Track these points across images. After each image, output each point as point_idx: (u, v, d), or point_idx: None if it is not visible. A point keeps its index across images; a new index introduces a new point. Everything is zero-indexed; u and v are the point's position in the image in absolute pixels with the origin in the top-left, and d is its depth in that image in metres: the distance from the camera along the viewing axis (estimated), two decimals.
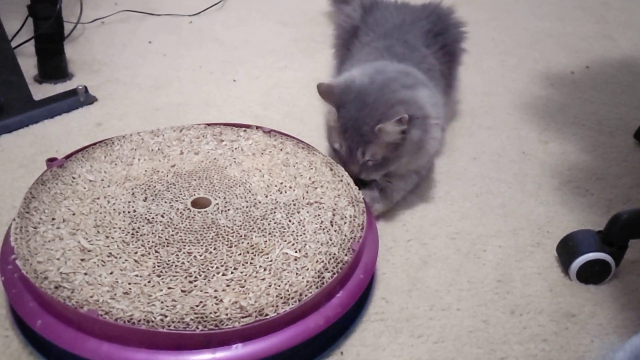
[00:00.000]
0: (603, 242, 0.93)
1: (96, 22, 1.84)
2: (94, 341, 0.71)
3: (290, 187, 0.96)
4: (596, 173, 1.22)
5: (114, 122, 1.33)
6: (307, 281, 0.77)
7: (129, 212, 0.89)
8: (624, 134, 1.37)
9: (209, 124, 1.12)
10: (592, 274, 0.93)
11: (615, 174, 1.22)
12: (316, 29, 1.90)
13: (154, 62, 1.63)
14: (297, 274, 0.79)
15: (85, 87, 1.38)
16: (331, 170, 1.01)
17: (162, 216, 0.88)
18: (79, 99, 1.37)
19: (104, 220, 0.86)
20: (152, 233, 0.85)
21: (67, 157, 1.00)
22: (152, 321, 0.70)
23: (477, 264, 0.98)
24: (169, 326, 0.70)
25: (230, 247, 0.83)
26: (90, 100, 1.40)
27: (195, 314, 0.71)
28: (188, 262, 0.80)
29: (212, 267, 0.79)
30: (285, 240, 0.85)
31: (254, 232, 0.86)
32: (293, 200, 0.93)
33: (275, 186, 0.96)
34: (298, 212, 0.90)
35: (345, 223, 0.88)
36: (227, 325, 0.71)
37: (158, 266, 0.79)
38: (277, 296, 0.75)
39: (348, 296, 0.80)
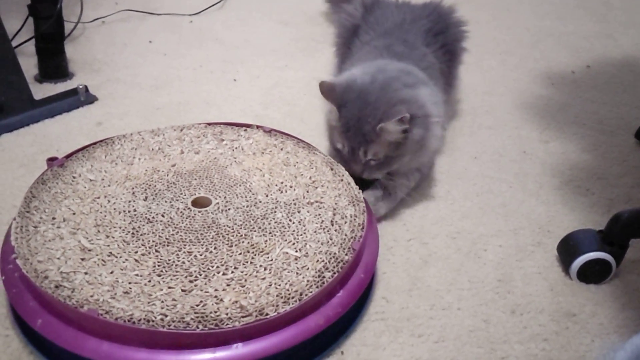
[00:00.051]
0: (604, 242, 0.93)
1: (97, 22, 1.84)
2: (94, 340, 0.71)
3: (291, 187, 0.96)
4: (597, 172, 1.22)
5: (114, 121, 1.33)
6: (308, 281, 0.77)
7: (129, 211, 0.89)
8: (625, 134, 1.37)
9: (209, 124, 1.12)
10: (592, 274, 0.93)
11: (616, 174, 1.22)
12: (316, 28, 1.90)
13: (155, 62, 1.63)
14: (297, 273, 0.79)
15: (86, 87, 1.38)
16: (332, 169, 1.01)
17: (163, 215, 0.88)
18: (80, 98, 1.37)
19: (104, 220, 0.86)
20: (153, 232, 0.85)
21: (68, 156, 1.00)
22: (153, 320, 0.70)
23: (478, 263, 0.98)
24: (169, 325, 0.70)
25: (231, 246, 0.83)
26: (90, 99, 1.40)
27: (195, 313, 0.71)
28: (188, 261, 0.80)
29: (212, 267, 0.79)
30: (286, 240, 0.85)
31: (255, 231, 0.86)
32: (293, 200, 0.93)
33: (276, 185, 0.96)
34: (298, 212, 0.90)
35: (345, 222, 0.88)
36: (227, 324, 0.71)
37: (158, 265, 0.79)
38: (277, 296, 0.74)
39: (348, 296, 0.80)
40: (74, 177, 0.95)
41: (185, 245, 0.83)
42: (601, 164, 1.25)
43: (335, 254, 0.82)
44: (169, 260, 0.80)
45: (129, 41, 1.74)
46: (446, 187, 1.16)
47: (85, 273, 0.76)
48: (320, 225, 0.88)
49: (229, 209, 0.91)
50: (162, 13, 1.95)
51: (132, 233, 0.84)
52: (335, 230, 0.87)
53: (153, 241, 0.83)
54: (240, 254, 0.82)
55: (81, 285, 0.74)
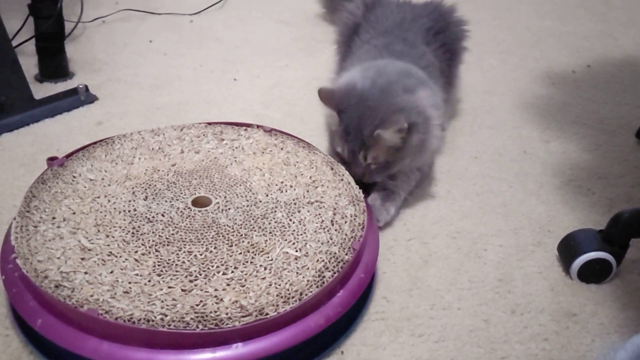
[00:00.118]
0: (604, 241, 0.93)
1: (97, 21, 1.84)
2: (94, 340, 0.71)
3: (291, 186, 0.96)
4: (597, 172, 1.22)
5: (114, 121, 1.33)
6: (308, 280, 0.77)
7: (129, 211, 0.89)
8: (626, 133, 1.36)
9: (209, 123, 1.12)
10: (593, 273, 0.93)
11: (616, 173, 1.22)
12: (317, 28, 1.90)
13: (155, 61, 1.63)
14: (297, 273, 0.78)
15: (86, 86, 1.38)
16: (332, 169, 1.00)
17: (163, 215, 0.88)
18: (80, 98, 1.37)
19: (104, 219, 0.86)
20: (153, 232, 0.85)
21: (68, 156, 1.00)
22: (152, 320, 0.70)
23: (478, 263, 0.98)
24: (169, 325, 0.70)
25: (231, 246, 0.83)
26: (90, 99, 1.40)
27: (195, 313, 0.71)
28: (188, 261, 0.80)
29: (212, 266, 0.79)
30: (286, 240, 0.85)
31: (255, 231, 0.86)
32: (294, 199, 0.93)
33: (276, 185, 0.96)
34: (299, 211, 0.90)
35: (345, 222, 0.88)
36: (227, 324, 0.71)
37: (158, 265, 0.79)
38: (277, 295, 0.74)
39: (348, 295, 0.80)
40: (74, 177, 0.95)
41: (185, 244, 0.83)
42: (602, 163, 1.25)
43: (335, 253, 0.82)
44: (169, 259, 0.80)
45: (129, 41, 1.74)
46: (446, 186, 1.16)
47: (85, 273, 0.76)
48: (321, 225, 0.88)
49: (229, 209, 0.91)
50: (163, 13, 1.95)
51: (132, 233, 0.84)
52: (336, 230, 0.86)
53: (153, 241, 0.83)
54: (241, 253, 0.82)
55: (81, 285, 0.74)
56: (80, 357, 0.71)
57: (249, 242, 0.84)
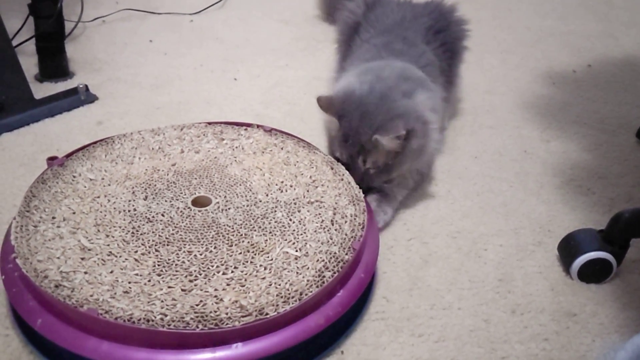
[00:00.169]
0: (604, 241, 0.92)
1: (97, 21, 1.84)
2: (94, 340, 0.71)
3: (291, 186, 0.96)
4: (598, 172, 1.22)
5: (114, 120, 1.33)
6: (308, 280, 0.77)
7: (129, 210, 0.89)
8: (626, 133, 1.36)
9: (209, 123, 1.12)
10: (593, 273, 0.93)
11: (617, 173, 1.22)
12: (317, 27, 1.90)
13: (155, 61, 1.63)
14: (297, 273, 0.78)
15: (86, 86, 1.38)
16: (332, 169, 1.00)
17: (163, 215, 0.88)
18: (80, 97, 1.37)
19: (104, 219, 0.86)
20: (153, 232, 0.85)
21: (68, 155, 1.00)
22: (152, 320, 0.70)
23: (478, 263, 0.97)
24: (169, 325, 0.70)
25: (231, 246, 0.83)
26: (91, 99, 1.40)
27: (195, 313, 0.71)
28: (188, 261, 0.80)
29: (212, 266, 0.79)
30: (286, 239, 0.85)
31: (255, 231, 0.86)
32: (294, 199, 0.93)
33: (276, 185, 0.96)
34: (299, 211, 0.90)
35: (345, 222, 0.88)
36: (227, 324, 0.71)
37: (158, 265, 0.79)
38: (277, 295, 0.74)
39: (348, 295, 0.80)
40: (74, 177, 0.95)
41: (185, 244, 0.83)
42: (602, 163, 1.25)
43: (335, 253, 0.82)
44: (169, 259, 0.80)
45: (129, 40, 1.74)
46: (447, 186, 1.16)
47: (85, 272, 0.76)
48: (321, 225, 0.87)
49: (229, 209, 0.91)
50: (163, 12, 1.95)
51: (132, 232, 0.84)
52: (336, 230, 0.86)
53: (153, 240, 0.83)
54: (240, 253, 0.82)
55: (81, 285, 0.74)
56: (80, 357, 0.71)
57: (249, 242, 0.84)
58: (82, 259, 0.79)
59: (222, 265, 0.79)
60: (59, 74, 1.49)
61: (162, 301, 0.73)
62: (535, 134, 1.35)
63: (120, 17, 1.90)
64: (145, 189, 0.94)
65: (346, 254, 0.82)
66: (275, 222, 0.88)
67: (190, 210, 0.90)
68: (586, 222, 1.07)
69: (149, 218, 0.87)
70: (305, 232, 0.86)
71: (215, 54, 1.69)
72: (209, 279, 0.77)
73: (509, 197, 1.14)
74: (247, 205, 0.91)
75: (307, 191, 0.95)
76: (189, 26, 1.89)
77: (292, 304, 0.74)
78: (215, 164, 1.01)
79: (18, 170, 1.13)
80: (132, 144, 1.04)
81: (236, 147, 1.06)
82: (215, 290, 0.75)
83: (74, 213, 0.87)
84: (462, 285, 0.93)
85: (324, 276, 0.78)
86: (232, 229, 0.86)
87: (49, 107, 1.33)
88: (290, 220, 0.88)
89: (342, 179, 0.98)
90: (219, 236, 0.85)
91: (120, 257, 0.80)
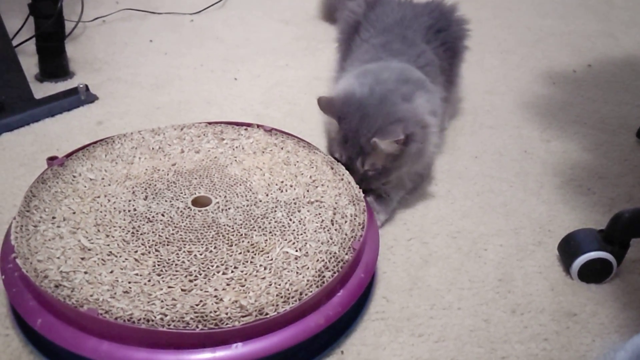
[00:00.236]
0: (605, 241, 0.92)
1: (97, 21, 1.84)
2: (94, 340, 0.71)
3: (291, 186, 0.96)
4: (598, 172, 1.22)
5: (114, 120, 1.33)
6: (308, 280, 0.77)
7: (129, 210, 0.89)
8: (626, 133, 1.36)
9: (209, 123, 1.12)
10: (593, 273, 0.93)
11: (617, 173, 1.22)
12: (317, 27, 1.90)
13: (155, 61, 1.63)
14: (297, 273, 0.78)
15: (86, 86, 1.38)
16: (332, 169, 1.00)
17: (163, 215, 0.88)
18: (80, 97, 1.37)
19: (104, 219, 0.86)
20: (153, 232, 0.85)
21: (68, 155, 1.00)
22: (152, 320, 0.70)
23: (478, 263, 0.97)
24: (168, 325, 0.70)
25: (231, 245, 0.83)
26: (91, 98, 1.40)
27: (195, 313, 0.71)
28: (188, 261, 0.80)
29: (212, 266, 0.79)
30: (286, 239, 0.85)
31: (255, 230, 0.86)
32: (294, 199, 0.93)
33: (276, 185, 0.96)
34: (299, 211, 0.90)
35: (345, 222, 0.88)
36: (227, 324, 0.71)
37: (158, 265, 0.79)
38: (277, 295, 0.74)
39: (348, 295, 0.80)
40: (74, 177, 0.95)
41: (185, 244, 0.83)
42: (602, 163, 1.25)
43: (335, 253, 0.82)
44: (169, 259, 0.80)
45: (129, 40, 1.74)
46: (447, 186, 1.16)
47: (85, 272, 0.76)
48: (321, 225, 0.87)
49: (229, 208, 0.91)
50: (163, 12, 1.95)
51: (132, 232, 0.84)
52: (336, 230, 0.86)
53: (153, 240, 0.83)
54: (240, 253, 0.82)
55: (81, 285, 0.74)
56: (80, 357, 0.71)
57: (248, 242, 0.84)
58: (82, 258, 0.79)
59: (222, 265, 0.79)
60: (59, 73, 1.49)
61: (162, 301, 0.73)
62: (536, 133, 1.35)
63: (121, 17, 1.90)
64: (146, 188, 0.94)
65: (346, 253, 0.82)
66: (275, 222, 0.88)
67: (190, 210, 0.90)
68: (586, 222, 1.07)
69: (149, 218, 0.87)
70: (305, 232, 0.86)
71: (216, 54, 1.69)
72: (209, 279, 0.77)
73: (509, 197, 1.14)
74: (247, 205, 0.91)
75: (307, 191, 0.95)
76: (189, 26, 1.89)
77: (292, 304, 0.74)
78: (215, 164, 1.01)
79: (18, 170, 1.13)
80: (132, 144, 1.04)
81: (236, 147, 1.06)
82: (215, 290, 0.75)
83: (74, 213, 0.87)
84: (462, 285, 0.93)
85: (324, 276, 0.78)
86: (232, 228, 0.86)
87: (49, 107, 1.33)
88: (290, 220, 0.88)
89: (342, 179, 0.98)
90: (219, 236, 0.85)
91: (120, 257, 0.80)
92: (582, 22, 2.03)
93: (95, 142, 1.04)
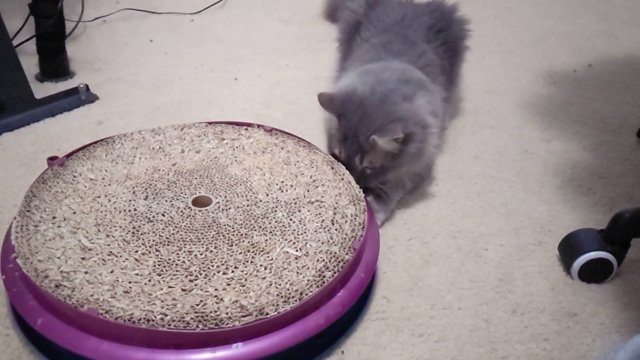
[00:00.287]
0: (605, 241, 0.92)
1: (98, 21, 1.84)
2: (94, 340, 0.71)
3: (291, 186, 0.96)
4: (598, 171, 1.22)
5: (115, 120, 1.33)
6: (308, 280, 0.77)
7: (129, 210, 0.89)
8: (627, 133, 1.36)
9: (210, 123, 1.12)
10: (594, 273, 0.93)
11: (617, 173, 1.21)
12: (318, 27, 1.90)
13: (155, 61, 1.63)
14: (297, 272, 0.78)
15: (87, 86, 1.38)
16: (332, 168, 1.00)
17: (163, 215, 0.88)
18: (80, 97, 1.37)
19: (104, 219, 0.86)
20: (153, 232, 0.85)
21: (68, 155, 1.00)
22: (153, 320, 0.70)
23: (479, 262, 0.97)
24: (169, 325, 0.70)
25: (231, 245, 0.83)
26: (91, 98, 1.40)
27: (195, 313, 0.71)
28: (189, 260, 0.80)
29: (212, 266, 0.79)
30: (286, 239, 0.85)
31: (255, 230, 0.86)
32: (294, 199, 0.93)
33: (276, 185, 0.96)
34: (299, 211, 0.90)
35: (346, 222, 0.88)
36: (227, 324, 0.71)
37: (158, 265, 0.79)
38: (277, 295, 0.74)
39: (349, 295, 0.80)
40: (74, 176, 0.95)
41: (185, 244, 0.83)
42: (603, 163, 1.25)
43: (335, 253, 0.82)
44: (169, 259, 0.80)
45: (130, 40, 1.74)
46: (447, 186, 1.16)
47: (86, 272, 0.76)
48: (321, 225, 0.87)
49: (229, 208, 0.91)
50: (163, 12, 1.95)
51: (133, 232, 0.84)
52: (336, 230, 0.86)
53: (153, 240, 0.83)
54: (241, 253, 0.82)
55: (81, 285, 0.74)
56: (80, 357, 0.71)
57: (249, 242, 0.84)
58: (83, 258, 0.79)
59: (223, 265, 0.79)
60: (60, 73, 1.49)
61: (162, 301, 0.73)
62: (536, 133, 1.35)
63: (121, 16, 1.90)
64: (146, 188, 0.94)
65: (346, 253, 0.82)
66: (276, 221, 0.88)
67: (191, 210, 0.90)
68: (587, 222, 1.07)
69: (149, 218, 0.87)
70: (305, 232, 0.86)
71: (216, 54, 1.69)
72: (209, 279, 0.77)
73: (509, 196, 1.14)
74: (248, 205, 0.91)
75: (308, 191, 0.95)
76: (190, 26, 1.89)
77: (293, 303, 0.74)
78: (215, 164, 1.01)
79: (18, 170, 1.13)
80: (132, 144, 1.04)
81: (237, 147, 1.06)
82: (216, 290, 0.75)
83: (74, 213, 0.87)
84: (462, 285, 0.93)
85: (324, 276, 0.78)
86: (233, 228, 0.86)
87: (49, 107, 1.33)
88: (291, 220, 0.88)
89: (343, 179, 0.98)
90: (220, 236, 0.85)
91: (120, 257, 0.80)
92: (582, 22, 2.03)
93: (95, 142, 1.04)
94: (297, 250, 0.82)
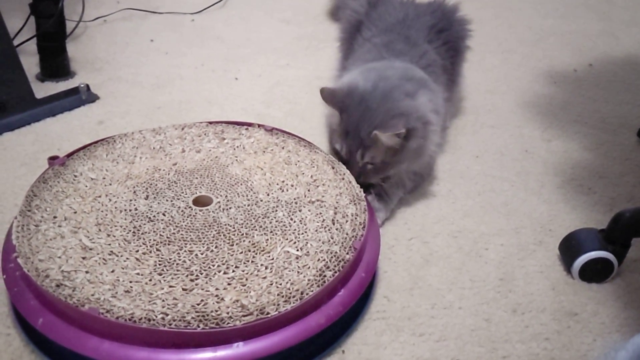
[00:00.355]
0: (605, 241, 0.92)
1: (98, 21, 1.84)
2: (95, 339, 0.71)
3: (292, 186, 0.96)
4: (599, 171, 1.22)
5: (115, 120, 1.33)
6: (309, 279, 0.77)
7: (130, 210, 0.89)
8: (627, 132, 1.36)
9: (210, 122, 1.12)
10: (594, 273, 0.93)
11: (618, 172, 1.21)
12: (318, 27, 1.90)
13: (156, 60, 1.63)
14: (298, 272, 0.78)
15: (87, 85, 1.38)
16: (333, 168, 1.00)
17: (164, 214, 0.88)
18: (81, 97, 1.37)
19: (105, 219, 0.86)
20: (154, 231, 0.85)
21: (69, 155, 1.00)
22: (153, 319, 0.70)
23: (479, 262, 0.97)
24: (170, 324, 0.70)
25: (232, 245, 0.83)
26: (92, 98, 1.40)
27: (196, 312, 0.71)
28: (189, 260, 0.80)
29: (213, 266, 0.79)
30: (287, 239, 0.85)
31: (256, 230, 0.86)
32: (295, 199, 0.93)
33: (277, 184, 0.96)
34: (299, 211, 0.90)
35: (346, 221, 0.88)
36: (228, 323, 0.71)
37: (159, 264, 0.79)
38: (278, 294, 0.74)
39: (349, 294, 0.80)
40: (75, 176, 0.95)
41: (186, 244, 0.83)
42: (603, 162, 1.25)
43: (336, 252, 0.82)
44: (170, 259, 0.80)
45: (130, 40, 1.74)
46: (448, 185, 1.16)
47: (86, 272, 0.76)
48: (322, 224, 0.87)
49: (230, 208, 0.91)
50: (164, 12, 1.95)
51: (133, 232, 0.84)
52: (337, 229, 0.86)
53: (154, 240, 0.83)
54: (241, 252, 0.82)
55: (82, 284, 0.74)
56: (81, 356, 0.71)
57: (250, 241, 0.84)
58: (84, 258, 0.79)
59: (223, 264, 0.79)
60: (60, 73, 1.49)
61: (163, 300, 0.73)
62: (537, 133, 1.35)
63: (122, 16, 1.90)
64: (147, 188, 0.94)
65: (347, 253, 0.82)
66: (276, 221, 0.88)
67: (192, 209, 0.90)
68: (587, 222, 1.07)
69: (150, 217, 0.87)
70: (306, 232, 0.86)
71: (217, 54, 1.69)
72: (210, 278, 0.77)
73: (510, 196, 1.14)
74: (248, 205, 0.92)
75: (308, 190, 0.95)
76: (190, 25, 1.89)
77: (293, 303, 0.74)
78: (216, 164, 1.01)
79: (19, 170, 1.14)
80: (133, 144, 1.04)
81: (237, 147, 1.06)
82: (217, 289, 0.75)
83: (75, 212, 0.87)
84: (463, 284, 0.93)
85: (325, 275, 0.78)
86: (233, 228, 0.86)
87: (50, 107, 1.33)
88: (291, 219, 0.89)
89: (343, 179, 0.98)
90: (220, 235, 0.85)
91: (121, 256, 0.80)
92: (583, 22, 2.03)
93: (96, 142, 1.04)
94: (297, 250, 0.82)
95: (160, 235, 0.84)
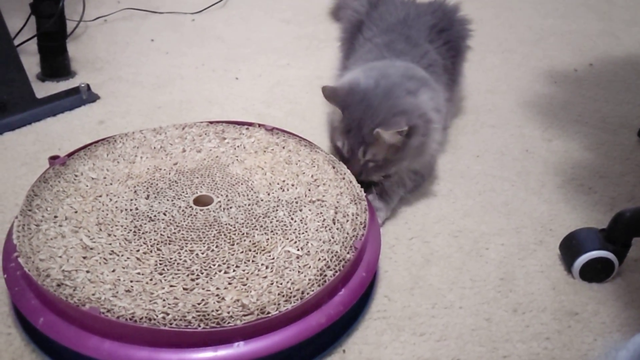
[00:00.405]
0: (606, 240, 0.92)
1: (99, 20, 1.84)
2: (95, 339, 0.71)
3: (293, 185, 0.96)
4: (599, 171, 1.22)
5: (116, 119, 1.33)
6: (309, 279, 0.77)
7: (131, 209, 0.89)
8: (628, 132, 1.36)
9: (211, 122, 1.12)
10: (595, 272, 0.93)
11: (618, 172, 1.21)
12: (319, 26, 1.90)
13: (157, 60, 1.63)
14: (299, 272, 0.78)
15: (88, 85, 1.38)
16: (333, 168, 1.00)
17: (164, 214, 0.88)
18: (82, 96, 1.37)
19: (106, 218, 0.86)
20: (154, 231, 0.85)
21: (70, 155, 1.00)
22: (154, 319, 0.70)
23: (480, 262, 0.97)
24: (170, 324, 0.70)
25: (232, 245, 0.83)
26: (92, 98, 1.40)
27: (197, 312, 0.71)
28: (190, 260, 0.80)
29: (214, 265, 0.79)
30: (288, 238, 0.85)
31: (256, 230, 0.86)
32: (295, 198, 0.93)
33: (278, 184, 0.96)
34: (300, 210, 0.90)
35: (347, 221, 0.88)
36: (229, 323, 0.71)
37: (160, 264, 0.79)
38: (279, 294, 0.74)
39: (350, 294, 0.80)
40: (75, 176, 0.95)
41: (187, 243, 0.83)
42: (604, 162, 1.25)
43: (337, 252, 0.82)
44: (171, 258, 0.80)
45: (131, 40, 1.74)
46: (448, 185, 1.16)
47: (87, 271, 0.76)
48: (322, 224, 0.87)
49: (230, 208, 0.91)
50: (164, 11, 1.95)
51: (134, 231, 0.84)
52: (337, 229, 0.86)
53: (155, 239, 0.83)
54: (242, 252, 0.82)
55: (83, 284, 0.74)
56: (81, 356, 0.71)
57: (250, 241, 0.84)
58: (84, 257, 0.79)
59: (224, 264, 0.79)
60: (61, 73, 1.49)
61: (164, 300, 0.73)
62: (537, 133, 1.35)
63: (122, 16, 1.90)
64: (147, 188, 0.94)
65: (348, 252, 0.82)
66: (277, 221, 0.88)
67: (192, 209, 0.90)
68: (588, 221, 1.07)
69: (150, 217, 0.88)
70: (306, 231, 0.86)
71: (217, 53, 1.69)
72: (211, 278, 0.77)
73: (510, 196, 1.14)
74: (249, 204, 0.92)
75: (309, 190, 0.95)
76: (191, 25, 1.89)
77: (294, 302, 0.74)
78: (216, 163, 1.01)
79: (20, 170, 1.14)
80: (133, 143, 1.04)
81: (238, 146, 1.06)
82: (217, 289, 0.75)
83: (75, 212, 0.87)
84: (463, 284, 0.93)
85: (325, 275, 0.78)
86: (234, 227, 0.86)
87: (50, 107, 1.33)
88: (292, 219, 0.89)
89: (344, 178, 0.98)
90: (221, 235, 0.85)
91: (122, 256, 0.80)
92: (583, 22, 2.03)
93: (96, 142, 1.04)
94: (298, 250, 0.82)
95: (161, 234, 0.84)
